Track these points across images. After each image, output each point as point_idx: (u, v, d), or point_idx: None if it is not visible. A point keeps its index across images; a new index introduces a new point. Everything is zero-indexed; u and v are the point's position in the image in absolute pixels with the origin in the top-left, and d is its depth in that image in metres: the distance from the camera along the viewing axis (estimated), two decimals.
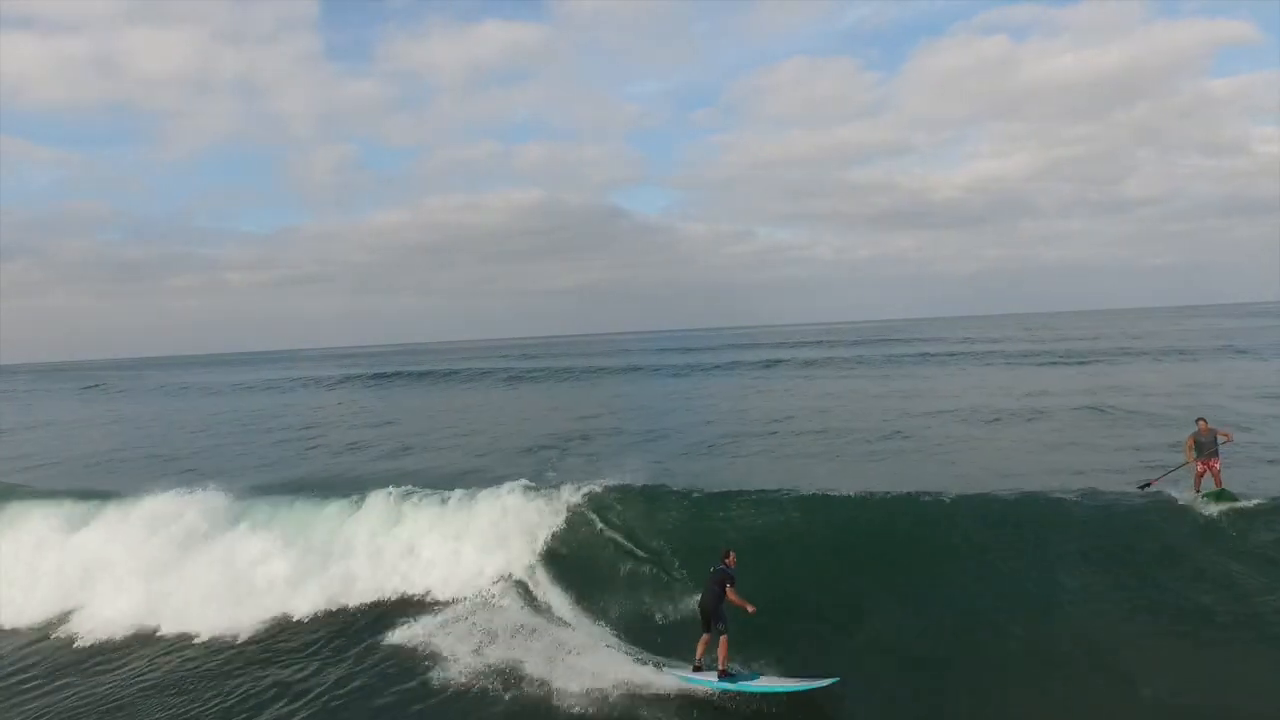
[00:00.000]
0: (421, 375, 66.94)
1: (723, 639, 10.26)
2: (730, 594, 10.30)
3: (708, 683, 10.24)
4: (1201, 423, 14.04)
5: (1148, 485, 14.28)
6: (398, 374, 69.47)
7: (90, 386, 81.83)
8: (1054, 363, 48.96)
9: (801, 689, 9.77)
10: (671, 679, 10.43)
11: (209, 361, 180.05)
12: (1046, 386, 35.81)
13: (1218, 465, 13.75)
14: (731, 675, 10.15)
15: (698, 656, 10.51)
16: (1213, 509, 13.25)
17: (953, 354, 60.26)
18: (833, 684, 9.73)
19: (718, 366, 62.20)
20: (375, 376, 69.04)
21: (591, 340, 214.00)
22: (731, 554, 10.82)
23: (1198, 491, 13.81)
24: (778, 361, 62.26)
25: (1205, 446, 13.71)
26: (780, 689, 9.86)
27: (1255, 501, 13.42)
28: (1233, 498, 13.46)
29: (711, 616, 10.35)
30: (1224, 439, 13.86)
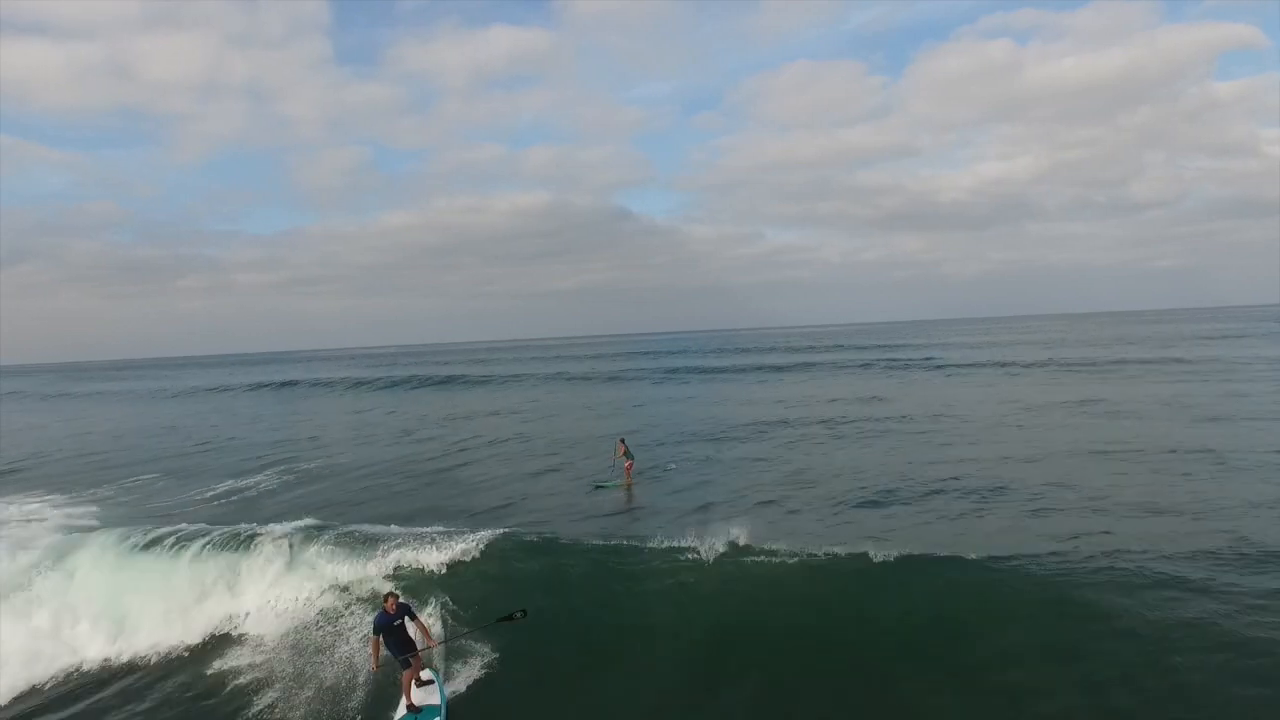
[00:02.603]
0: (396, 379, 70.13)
1: (405, 673, 9.65)
2: (374, 641, 9.53)
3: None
4: (620, 442, 20.60)
5: (599, 486, 19.82)
6: (325, 379, 72.99)
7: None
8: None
9: None
10: None
11: (206, 363, 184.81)
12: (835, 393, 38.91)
13: (630, 466, 20.22)
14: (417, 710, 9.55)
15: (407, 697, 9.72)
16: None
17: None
18: None
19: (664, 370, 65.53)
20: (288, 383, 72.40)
21: (588, 342, 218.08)
22: (390, 599, 9.76)
23: (626, 487, 19.67)
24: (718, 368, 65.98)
25: (624, 456, 20.31)
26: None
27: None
28: (615, 487, 19.55)
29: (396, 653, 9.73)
30: (622, 450, 20.40)
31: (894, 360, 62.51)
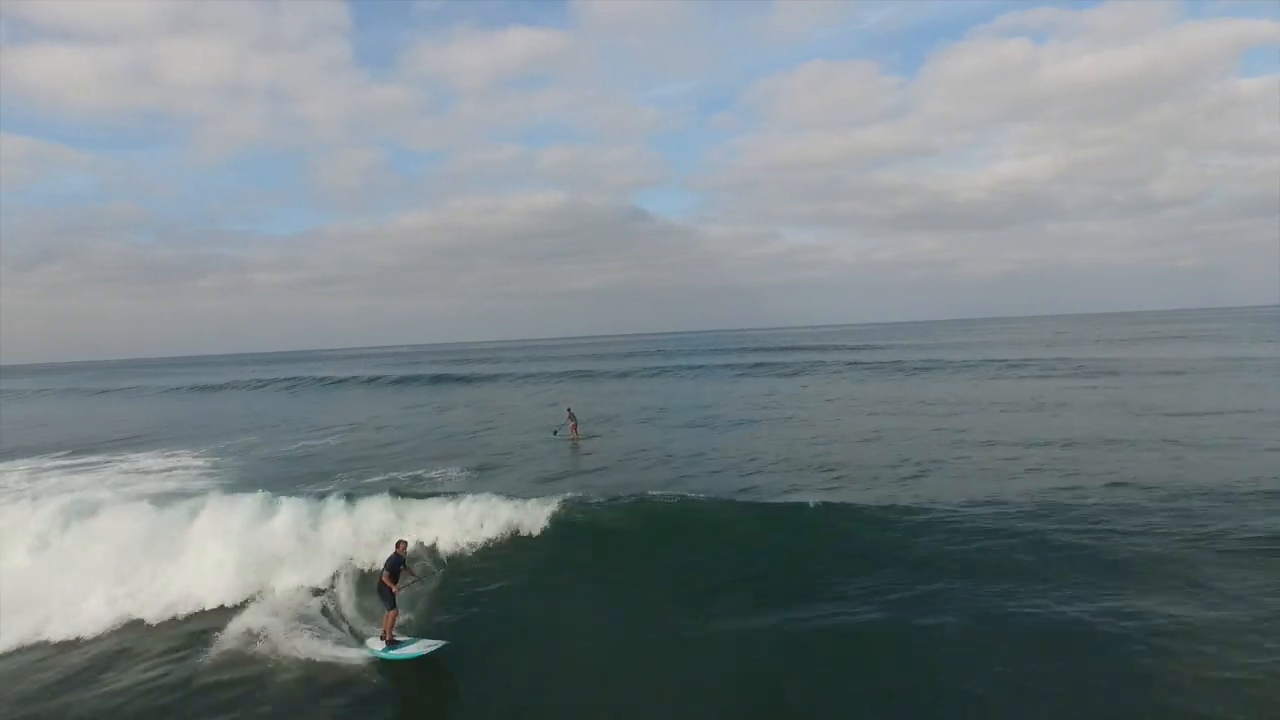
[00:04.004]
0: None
1: (389, 614, 11.71)
2: (385, 579, 11.71)
3: (373, 650, 11.67)
4: (568, 411, 29.89)
5: (555, 433, 29.46)
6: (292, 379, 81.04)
7: None
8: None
9: (421, 654, 11.42)
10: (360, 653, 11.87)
11: (230, 361, 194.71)
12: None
13: (574, 426, 29.02)
14: (396, 643, 11.66)
15: (385, 633, 11.79)
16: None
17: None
18: (444, 646, 11.51)
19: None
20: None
21: (603, 342, 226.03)
22: (402, 543, 12.42)
23: (573, 442, 28.10)
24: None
25: (570, 420, 29.31)
26: (415, 654, 11.46)
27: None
28: (563, 438, 28.41)
29: (382, 597, 11.94)
30: (570, 418, 29.48)
31: (863, 361, 69.57)
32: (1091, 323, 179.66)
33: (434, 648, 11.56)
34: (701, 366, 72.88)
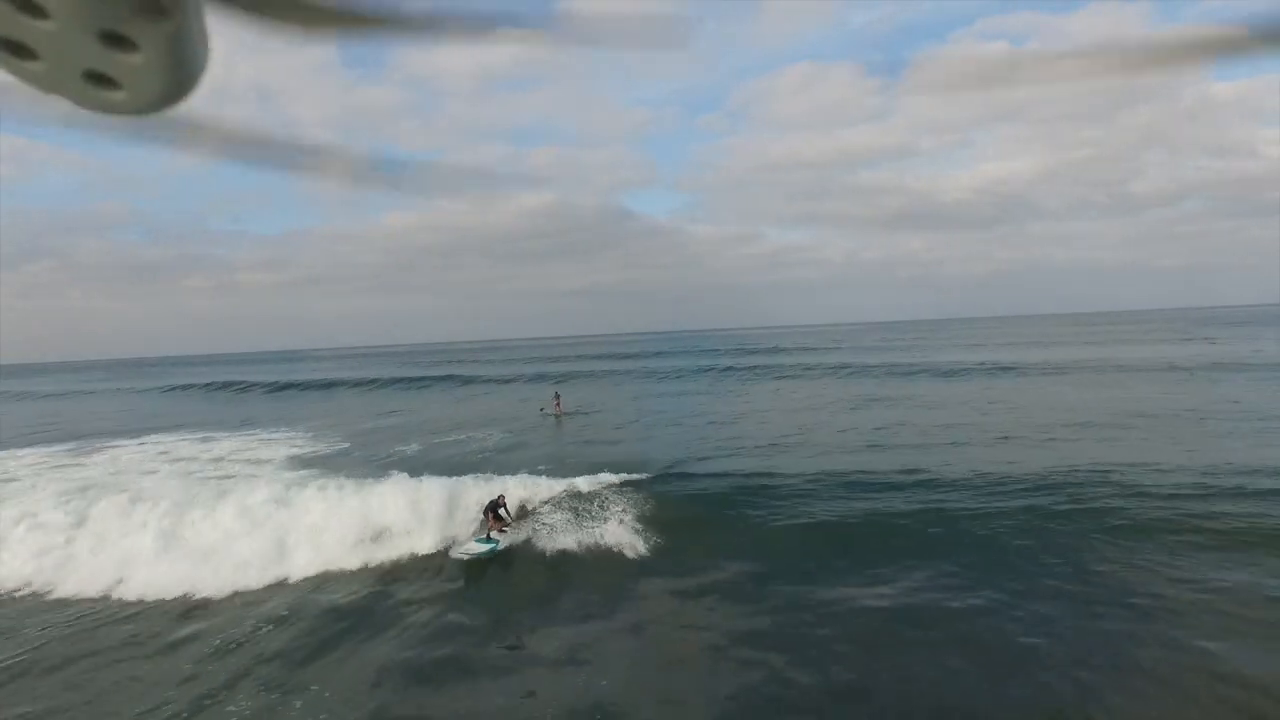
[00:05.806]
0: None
1: (490, 517, 17.34)
2: (490, 516, 17.38)
3: (478, 540, 16.87)
4: (555, 393, 39.96)
5: (542, 410, 39.48)
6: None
7: None
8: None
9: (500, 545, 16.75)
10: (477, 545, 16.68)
11: (232, 360, 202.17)
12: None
13: (559, 405, 39.15)
14: (490, 540, 16.83)
15: (488, 532, 17.15)
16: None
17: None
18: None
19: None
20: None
21: (592, 341, 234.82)
22: (501, 495, 18.12)
23: (557, 416, 38.20)
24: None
25: (556, 400, 39.63)
26: (492, 546, 16.68)
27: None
28: (551, 416, 38.53)
29: (488, 516, 17.26)
30: (555, 399, 39.52)
31: (811, 364, 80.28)
32: (1059, 323, 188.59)
33: (496, 545, 16.73)
34: (679, 365, 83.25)
